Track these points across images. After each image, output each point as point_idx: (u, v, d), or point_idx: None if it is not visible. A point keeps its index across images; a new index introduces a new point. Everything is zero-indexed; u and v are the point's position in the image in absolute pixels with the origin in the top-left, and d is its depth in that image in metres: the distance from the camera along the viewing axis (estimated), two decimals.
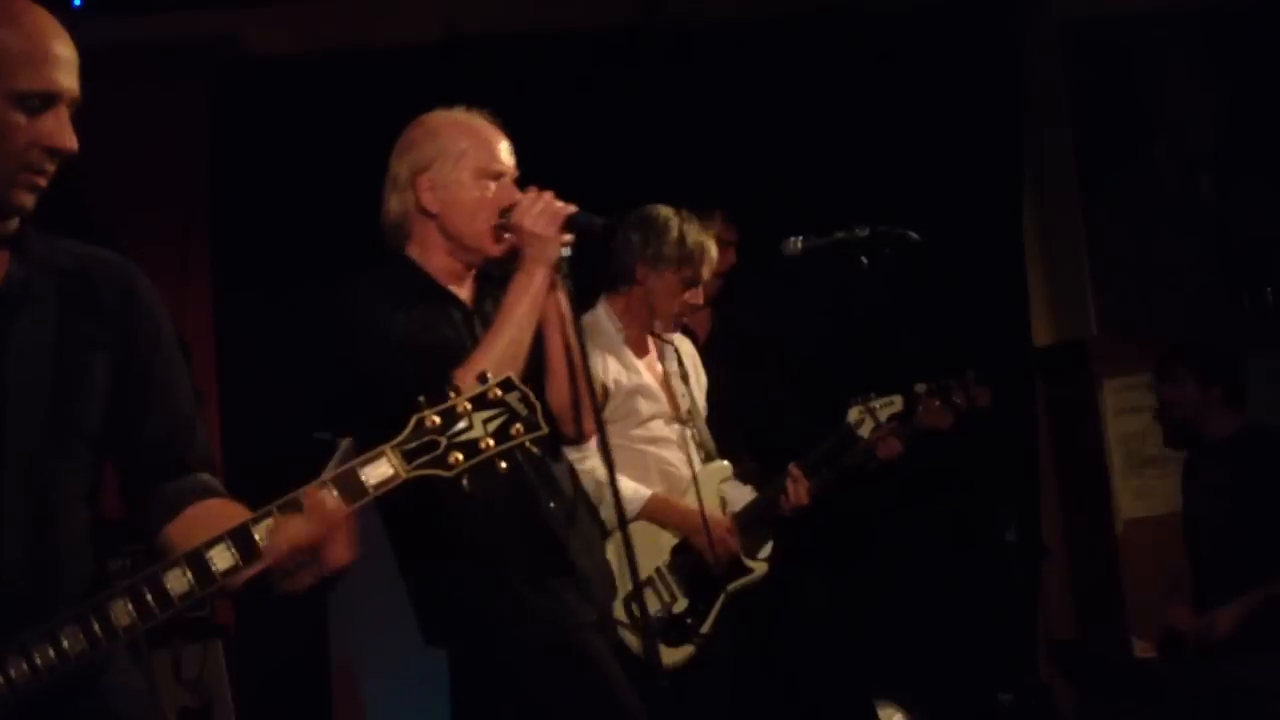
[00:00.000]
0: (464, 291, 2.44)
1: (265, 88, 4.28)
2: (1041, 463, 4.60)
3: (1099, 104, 4.67)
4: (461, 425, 1.68)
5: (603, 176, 3.86)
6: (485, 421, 1.69)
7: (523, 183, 2.41)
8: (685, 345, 3.36)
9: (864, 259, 2.95)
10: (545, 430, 1.72)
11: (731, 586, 3.23)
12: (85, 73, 4.60)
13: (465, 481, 1.68)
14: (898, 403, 3.41)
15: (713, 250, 3.25)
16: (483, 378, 1.72)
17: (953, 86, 4.49)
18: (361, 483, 1.71)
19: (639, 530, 3.06)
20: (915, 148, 4.42)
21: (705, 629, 3.20)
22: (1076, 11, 4.70)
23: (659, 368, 3.25)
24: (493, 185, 2.38)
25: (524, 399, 1.70)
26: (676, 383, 3.26)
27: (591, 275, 3.08)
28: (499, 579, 2.36)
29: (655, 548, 3.15)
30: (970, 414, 3.56)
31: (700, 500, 3.11)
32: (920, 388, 3.57)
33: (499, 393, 1.70)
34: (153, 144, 4.26)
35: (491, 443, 1.68)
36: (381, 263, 2.43)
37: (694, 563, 3.21)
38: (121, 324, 1.78)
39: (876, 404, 3.41)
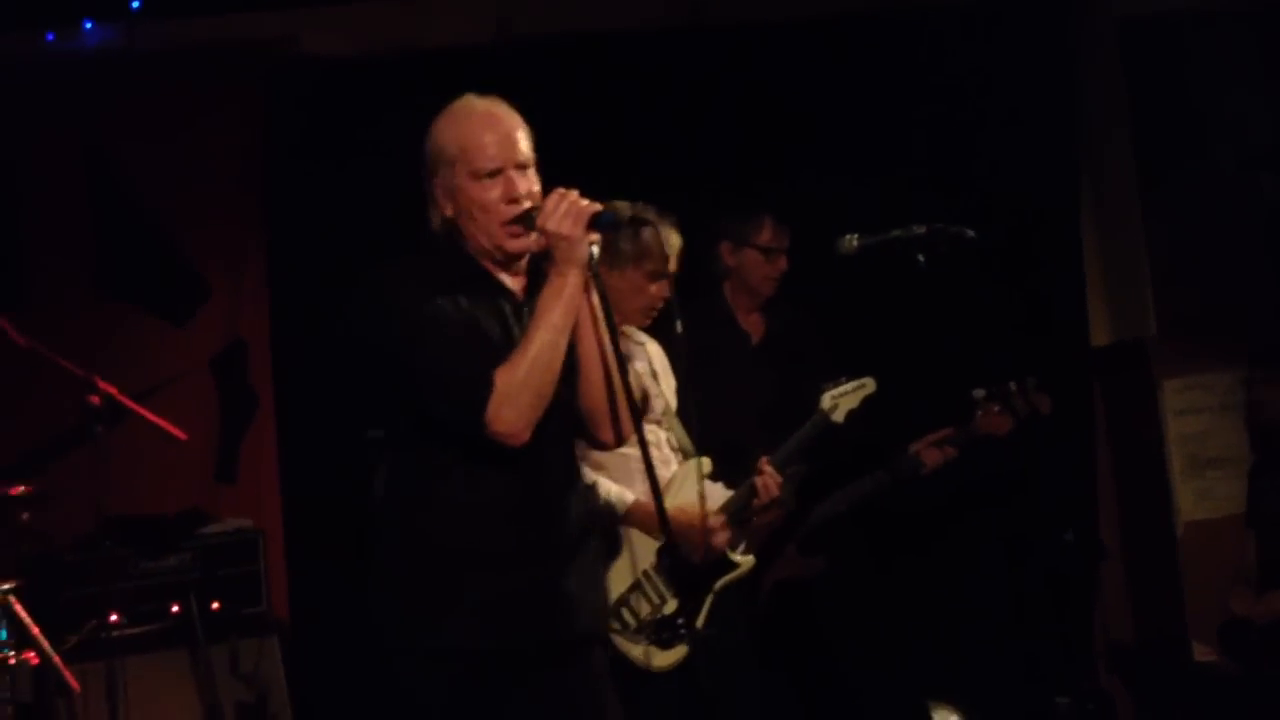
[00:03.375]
0: (515, 282, 2.37)
1: (321, 88, 4.32)
2: (1100, 465, 4.55)
3: (1157, 103, 4.60)
4: None
5: (652, 176, 3.86)
6: None
7: (573, 181, 2.33)
8: (652, 346, 3.31)
9: (921, 257, 2.92)
10: None
11: (719, 584, 3.21)
12: (143, 73, 4.66)
13: None
14: (870, 385, 3.33)
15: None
16: None
17: (1009, 85, 4.45)
18: None
19: (625, 534, 3.06)
20: (971, 147, 4.39)
21: (698, 628, 3.19)
22: (1134, 10, 4.64)
23: (635, 367, 3.22)
24: (490, 183, 2.28)
25: None
26: (650, 382, 3.22)
27: None
28: (476, 593, 2.25)
29: (641, 551, 3.13)
30: (1030, 420, 3.52)
31: (701, 500, 3.06)
32: (979, 393, 3.53)
33: None
34: (210, 145, 4.31)
35: None
36: (431, 245, 2.36)
37: (680, 563, 3.19)
38: None
39: (849, 387, 3.34)
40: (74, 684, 3.17)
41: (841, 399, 3.32)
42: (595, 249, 2.25)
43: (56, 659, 3.14)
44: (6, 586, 3.12)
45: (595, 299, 2.28)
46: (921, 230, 2.93)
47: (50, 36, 4.29)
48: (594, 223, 2.24)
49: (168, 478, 4.03)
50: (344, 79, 4.33)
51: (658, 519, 3.13)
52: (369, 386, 2.36)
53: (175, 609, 3.70)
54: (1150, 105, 4.62)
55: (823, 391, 3.35)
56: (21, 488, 3.20)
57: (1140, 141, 4.63)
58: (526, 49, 4.34)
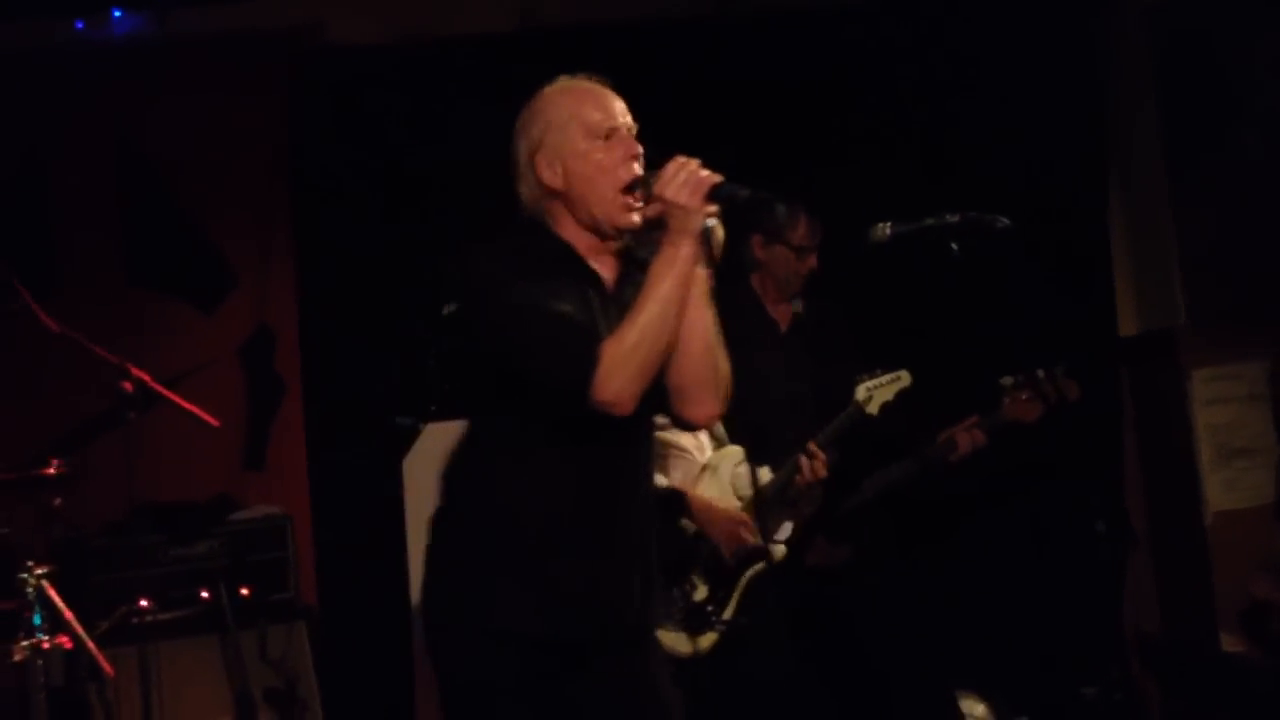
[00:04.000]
0: (606, 271, 2.31)
1: (347, 76, 4.32)
2: (1127, 454, 4.53)
3: (1186, 87, 4.56)
4: None
5: None
6: None
7: None
8: None
9: (954, 245, 2.90)
10: None
11: (750, 572, 3.21)
12: (170, 61, 4.67)
13: None
14: (905, 378, 3.34)
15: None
16: None
17: (1036, 70, 4.42)
18: None
19: None
20: (997, 132, 4.36)
21: (727, 615, 3.19)
22: None
23: None
24: (607, 144, 2.25)
25: None
26: None
27: None
28: (539, 575, 2.22)
29: None
30: (1058, 408, 3.50)
31: (753, 486, 3.04)
32: (1008, 380, 3.52)
33: None
34: (237, 133, 4.32)
35: None
36: (522, 228, 2.31)
37: (711, 551, 3.19)
38: None
39: (884, 380, 3.34)
40: (108, 669, 3.19)
41: (876, 391, 3.33)
42: (711, 221, 2.20)
43: (91, 644, 3.16)
44: (41, 571, 3.14)
45: (704, 273, 2.23)
46: (955, 218, 2.91)
47: (79, 24, 4.30)
48: (713, 194, 2.19)
49: (196, 464, 4.06)
50: (369, 67, 4.34)
51: (689, 507, 3.16)
52: (451, 370, 2.33)
53: (205, 595, 3.72)
54: (1179, 92, 4.58)
55: (857, 383, 3.35)
56: (53, 471, 3.21)
57: (1169, 128, 4.59)
58: (550, 37, 4.34)
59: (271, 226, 4.33)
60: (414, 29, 4.40)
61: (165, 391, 3.41)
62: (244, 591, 3.74)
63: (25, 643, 3.12)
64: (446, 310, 3.62)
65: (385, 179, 4.24)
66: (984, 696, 3.80)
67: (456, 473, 2.31)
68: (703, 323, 2.26)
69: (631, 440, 2.30)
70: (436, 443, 3.67)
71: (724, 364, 2.30)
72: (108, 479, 3.68)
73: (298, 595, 3.87)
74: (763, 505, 3.27)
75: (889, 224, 2.96)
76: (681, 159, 2.21)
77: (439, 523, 2.31)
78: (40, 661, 3.10)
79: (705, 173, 2.20)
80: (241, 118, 4.33)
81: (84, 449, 3.51)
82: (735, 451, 3.29)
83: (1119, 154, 4.65)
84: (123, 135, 4.30)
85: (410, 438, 3.76)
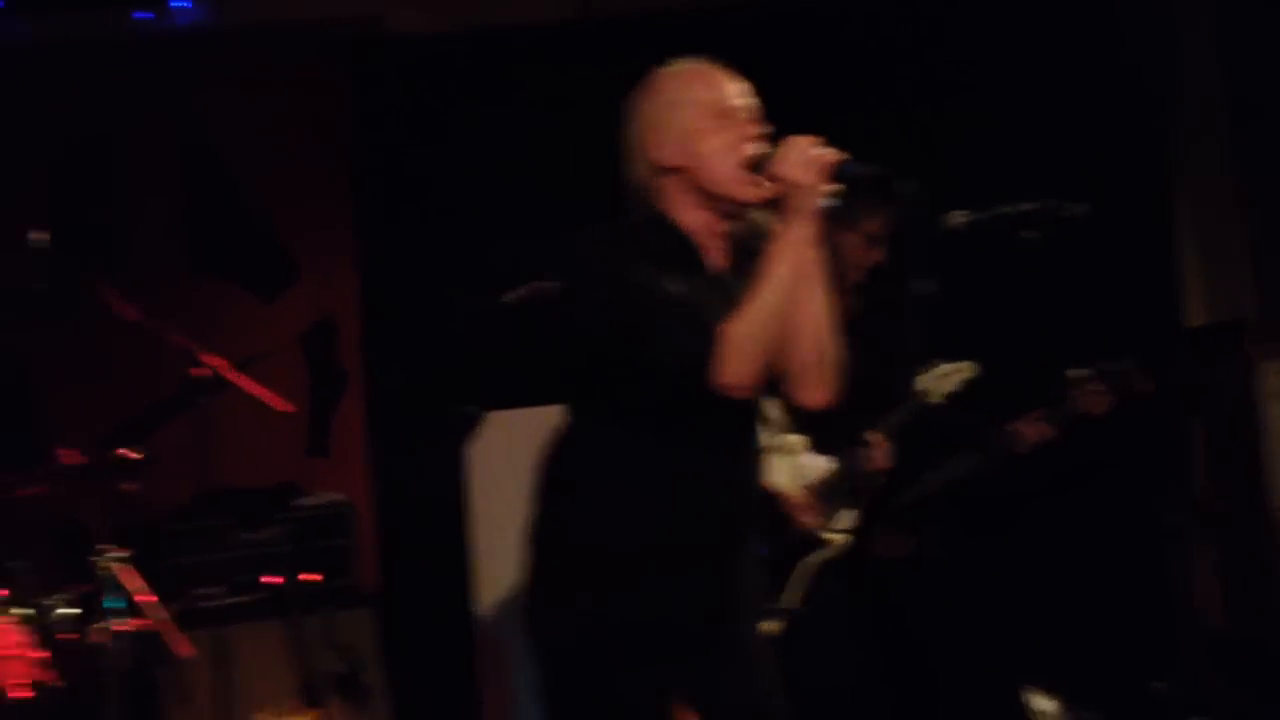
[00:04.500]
0: (720, 253, 2.26)
1: (406, 65, 4.33)
2: (1195, 447, 4.46)
3: (1255, 68, 4.48)
4: None
5: None
6: None
7: None
8: None
9: (1029, 233, 2.87)
10: None
11: (810, 559, 3.19)
12: (232, 51, 4.70)
13: None
14: (968, 369, 3.30)
15: None
16: None
17: (1101, 53, 4.36)
18: None
19: None
20: (1062, 119, 4.30)
21: (785, 604, 3.17)
22: None
23: None
24: (726, 122, 2.21)
25: None
26: None
27: None
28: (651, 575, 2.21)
29: None
30: (1127, 401, 3.46)
31: (801, 477, 3.02)
32: (1077, 372, 3.48)
33: None
34: (298, 123, 4.36)
35: None
36: (633, 211, 2.27)
37: (772, 540, 3.17)
38: None
39: (948, 370, 3.31)
40: (188, 650, 3.22)
41: (941, 381, 3.29)
42: (832, 200, 2.15)
43: (168, 626, 3.19)
44: (119, 554, 3.18)
45: (821, 253, 2.19)
46: (1030, 206, 2.88)
47: (140, 15, 4.34)
48: (835, 173, 2.14)
49: (260, 451, 4.09)
50: (430, 55, 4.35)
51: None
52: (557, 355, 2.29)
53: (270, 580, 3.75)
54: (1248, 73, 4.50)
55: (921, 374, 3.32)
56: (128, 456, 3.25)
57: (1237, 111, 4.51)
58: (609, 26, 4.33)
59: (333, 215, 4.36)
60: (474, 17, 4.40)
61: (240, 378, 3.43)
62: (309, 577, 3.77)
63: (99, 625, 3.16)
64: (510, 296, 3.60)
65: (445, 167, 4.25)
66: (1052, 692, 3.77)
67: (561, 459, 2.28)
68: (818, 305, 2.23)
69: (741, 426, 2.28)
70: (501, 431, 3.69)
71: (838, 349, 2.27)
72: (175, 464, 3.72)
73: (362, 582, 3.90)
74: (824, 495, 3.25)
75: (965, 212, 2.93)
76: (800, 137, 2.16)
77: (544, 508, 2.29)
78: (114, 644, 3.14)
79: (826, 151, 2.15)
80: (303, 107, 4.36)
81: (151, 435, 3.55)
82: (797, 440, 3.27)
83: (1186, 139, 4.57)
84: (186, 124, 4.34)
85: (475, 426, 3.76)
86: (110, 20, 4.29)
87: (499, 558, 3.64)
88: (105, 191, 4.28)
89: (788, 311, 2.15)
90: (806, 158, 2.14)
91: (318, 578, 3.75)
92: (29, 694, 2.97)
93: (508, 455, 3.60)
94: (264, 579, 3.76)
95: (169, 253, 4.32)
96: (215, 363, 3.45)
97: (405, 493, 4.13)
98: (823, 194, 2.14)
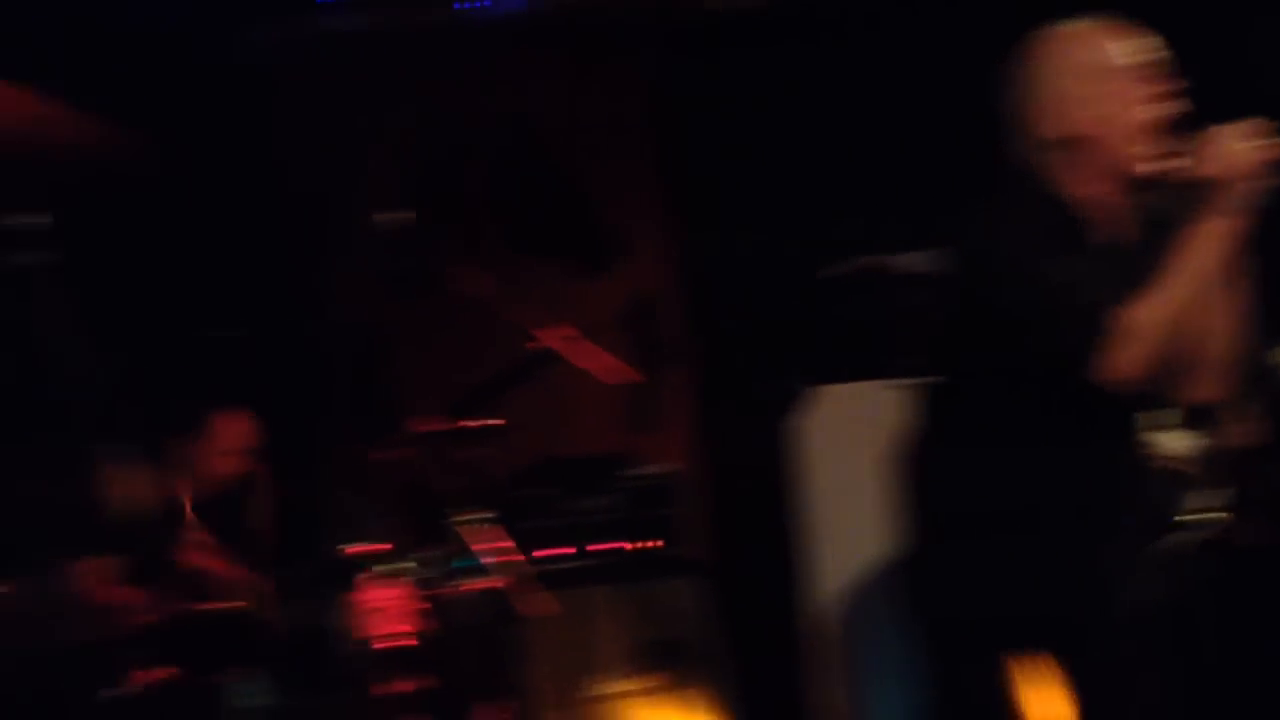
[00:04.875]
0: (1118, 227, 2.16)
1: (722, 41, 4.34)
2: None
3: None
4: None
5: None
6: None
7: None
8: None
9: None
10: None
11: (1180, 540, 3.01)
12: (547, 33, 4.78)
13: None
14: None
15: None
16: None
17: None
18: None
19: None
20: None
21: (1153, 587, 2.97)
22: None
23: None
24: (1119, 85, 2.10)
25: None
26: None
27: None
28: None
29: None
30: None
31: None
32: None
33: None
34: (617, 103, 4.44)
35: None
36: (1021, 186, 2.17)
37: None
38: None
39: None
40: (544, 608, 3.36)
41: None
42: (1256, 195, 2.01)
43: (527, 586, 3.34)
44: (480, 515, 3.34)
45: (1242, 247, 2.05)
46: None
47: (459, 4, 4.52)
48: (1262, 168, 2.00)
49: (589, 423, 4.22)
50: (744, 31, 4.34)
51: None
52: (938, 335, 2.25)
53: (602, 547, 3.86)
54: None
55: (1273, 347, 3.07)
56: (477, 424, 3.41)
57: None
58: None
59: (653, 192, 4.43)
60: None
61: (574, 352, 3.54)
62: (640, 545, 3.85)
63: (450, 584, 3.33)
64: (839, 271, 3.52)
65: (764, 143, 4.24)
66: None
67: (934, 442, 2.24)
68: (1230, 304, 2.12)
69: (1126, 409, 2.18)
70: (832, 406, 3.66)
71: (1234, 346, 2.15)
72: (513, 433, 3.86)
73: (691, 551, 3.94)
74: (1192, 474, 3.06)
75: None
76: (1225, 128, 2.02)
77: (922, 491, 2.26)
78: (468, 601, 3.30)
79: (1254, 144, 2.00)
80: (620, 87, 4.44)
81: (495, 405, 3.70)
82: (1171, 414, 3.09)
83: None
84: (505, 107, 4.50)
85: (803, 401, 3.74)
86: (431, 9, 4.48)
87: (831, 532, 3.62)
88: (450, 174, 4.50)
89: (1194, 307, 2.03)
90: (1224, 151, 2.00)
91: (655, 544, 3.82)
92: (401, 645, 3.15)
93: (837, 429, 3.59)
94: (597, 546, 3.86)
95: (488, 231, 4.49)
96: (551, 337, 3.56)
97: (732, 465, 4.16)
98: (1245, 190, 1.99)
